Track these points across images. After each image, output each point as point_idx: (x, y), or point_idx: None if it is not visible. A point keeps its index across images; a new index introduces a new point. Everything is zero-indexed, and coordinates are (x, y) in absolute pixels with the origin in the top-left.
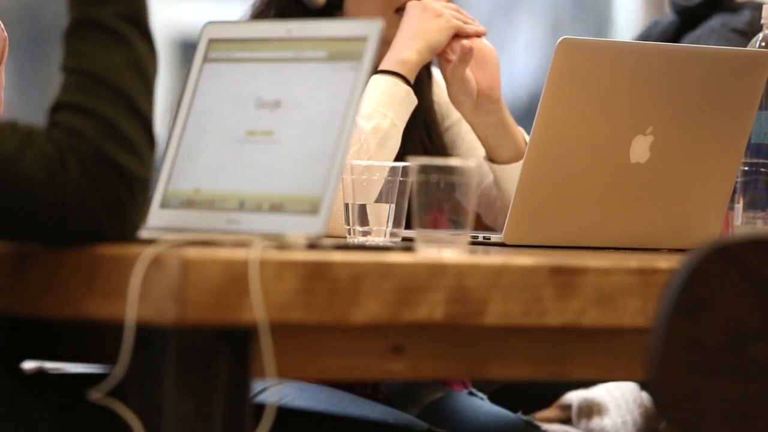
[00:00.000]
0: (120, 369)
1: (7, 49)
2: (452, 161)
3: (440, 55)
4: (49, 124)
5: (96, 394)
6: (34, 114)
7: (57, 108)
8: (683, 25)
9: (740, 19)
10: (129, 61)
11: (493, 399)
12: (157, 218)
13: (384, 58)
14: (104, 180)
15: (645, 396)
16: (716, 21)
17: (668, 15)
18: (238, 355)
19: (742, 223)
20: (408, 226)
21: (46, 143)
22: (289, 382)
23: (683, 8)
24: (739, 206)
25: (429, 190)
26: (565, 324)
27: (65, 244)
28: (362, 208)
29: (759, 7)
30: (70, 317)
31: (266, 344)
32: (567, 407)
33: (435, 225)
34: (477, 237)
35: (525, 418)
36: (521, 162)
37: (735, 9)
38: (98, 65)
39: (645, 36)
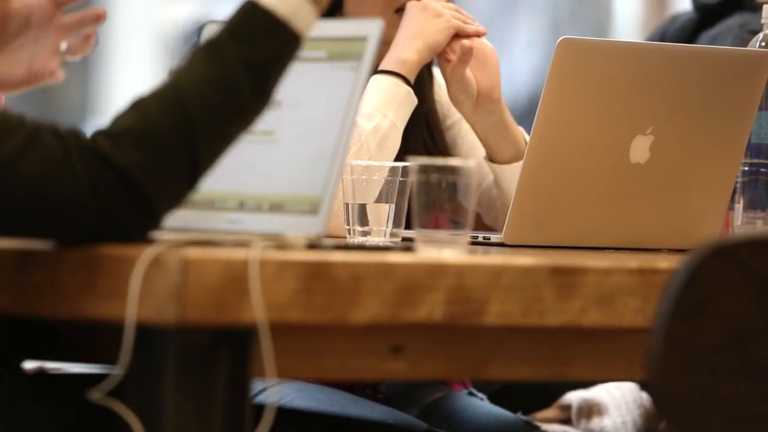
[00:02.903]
0: (120, 369)
1: None
2: (452, 161)
3: (440, 55)
4: (115, 117)
5: (96, 394)
6: (35, 113)
7: (136, 101)
8: (702, 22)
9: (761, 21)
10: (224, 104)
11: (493, 399)
12: None
13: (384, 58)
14: (108, 185)
15: (645, 396)
16: (736, 20)
17: (688, 11)
18: (238, 355)
19: (742, 223)
20: (408, 226)
21: (53, 143)
22: (289, 382)
23: (704, 5)
24: (739, 206)
25: (429, 190)
26: (565, 324)
27: (67, 243)
28: (362, 208)
29: None
30: (70, 317)
31: (266, 344)
32: (567, 407)
33: (435, 225)
34: (477, 237)
35: (525, 418)
36: (521, 162)
37: (756, 9)
38: (193, 92)
39: (661, 32)
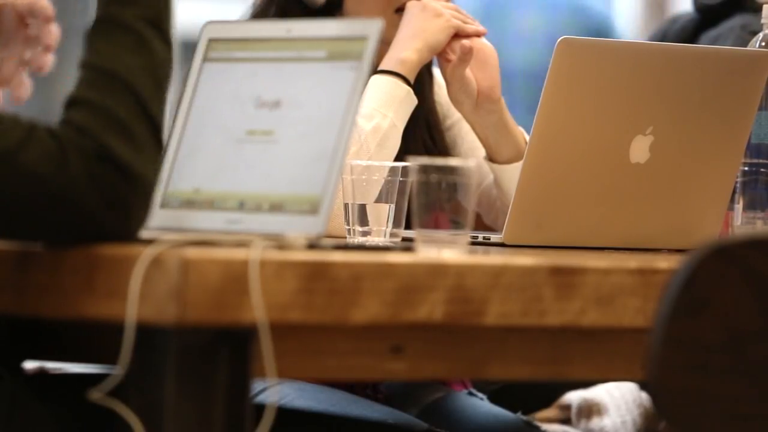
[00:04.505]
0: (120, 369)
1: None
2: (452, 161)
3: (440, 55)
4: (62, 120)
5: (96, 394)
6: (35, 113)
7: (71, 103)
8: (703, 23)
9: (761, 21)
10: (146, 63)
11: (493, 399)
12: (157, 218)
13: (384, 58)
14: (106, 177)
15: (645, 396)
16: (737, 21)
17: (688, 12)
18: (238, 355)
19: (742, 223)
20: (408, 226)
21: (49, 139)
22: (289, 382)
23: (705, 6)
24: (739, 206)
25: (429, 190)
26: (565, 324)
27: (67, 242)
28: (362, 208)
29: None
30: (70, 317)
31: (266, 344)
32: (567, 407)
33: (435, 225)
34: (477, 237)
35: (525, 418)
36: (521, 162)
37: (757, 10)
38: (116, 63)
39: (662, 32)
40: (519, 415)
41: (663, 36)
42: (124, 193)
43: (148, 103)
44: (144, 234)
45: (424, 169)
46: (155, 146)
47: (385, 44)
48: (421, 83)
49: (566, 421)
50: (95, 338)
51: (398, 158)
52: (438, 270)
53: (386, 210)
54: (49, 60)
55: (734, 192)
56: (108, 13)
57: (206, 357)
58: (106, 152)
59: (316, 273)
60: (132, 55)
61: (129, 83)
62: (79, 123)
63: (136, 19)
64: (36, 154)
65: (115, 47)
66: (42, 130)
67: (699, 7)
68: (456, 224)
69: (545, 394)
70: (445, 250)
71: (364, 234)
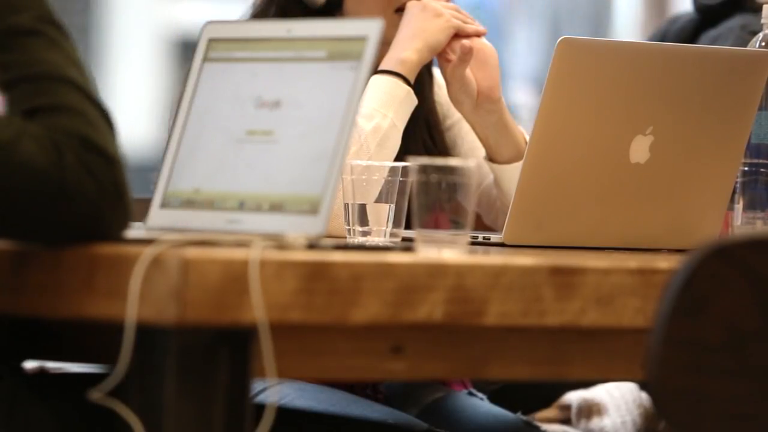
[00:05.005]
0: (120, 369)
1: None
2: (452, 161)
3: (440, 55)
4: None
5: (96, 394)
6: None
7: (25, 116)
8: (703, 23)
9: (761, 21)
10: (63, 54)
11: (493, 399)
12: (157, 218)
13: (384, 58)
14: (98, 166)
15: (644, 396)
16: (736, 21)
17: (688, 12)
18: (238, 355)
19: (742, 223)
20: (408, 226)
21: (41, 135)
22: (289, 382)
23: (705, 6)
24: (739, 206)
25: (429, 190)
26: (565, 324)
27: (66, 239)
28: (362, 208)
29: None
30: (70, 317)
31: (266, 344)
32: (566, 407)
33: (435, 225)
34: (477, 237)
35: (525, 418)
36: (521, 162)
37: (757, 10)
38: (45, 65)
39: (662, 32)
40: (519, 415)
41: (663, 36)
42: (115, 179)
43: (86, 88)
44: (144, 234)
45: (424, 169)
46: (110, 127)
47: (385, 44)
48: (421, 83)
49: (566, 421)
50: (95, 338)
51: (398, 158)
52: (438, 270)
53: (386, 210)
54: None
55: (734, 192)
56: (7, 25)
57: (206, 357)
58: (89, 143)
59: (316, 273)
60: (50, 53)
61: (64, 77)
62: (51, 125)
63: (35, 22)
64: (32, 147)
65: (32, 53)
66: (34, 128)
67: (699, 7)
68: (456, 224)
69: (545, 394)
70: (445, 250)
71: (364, 234)
